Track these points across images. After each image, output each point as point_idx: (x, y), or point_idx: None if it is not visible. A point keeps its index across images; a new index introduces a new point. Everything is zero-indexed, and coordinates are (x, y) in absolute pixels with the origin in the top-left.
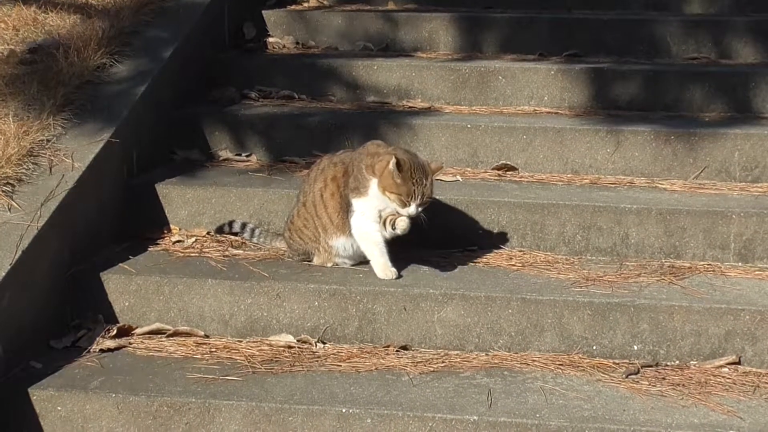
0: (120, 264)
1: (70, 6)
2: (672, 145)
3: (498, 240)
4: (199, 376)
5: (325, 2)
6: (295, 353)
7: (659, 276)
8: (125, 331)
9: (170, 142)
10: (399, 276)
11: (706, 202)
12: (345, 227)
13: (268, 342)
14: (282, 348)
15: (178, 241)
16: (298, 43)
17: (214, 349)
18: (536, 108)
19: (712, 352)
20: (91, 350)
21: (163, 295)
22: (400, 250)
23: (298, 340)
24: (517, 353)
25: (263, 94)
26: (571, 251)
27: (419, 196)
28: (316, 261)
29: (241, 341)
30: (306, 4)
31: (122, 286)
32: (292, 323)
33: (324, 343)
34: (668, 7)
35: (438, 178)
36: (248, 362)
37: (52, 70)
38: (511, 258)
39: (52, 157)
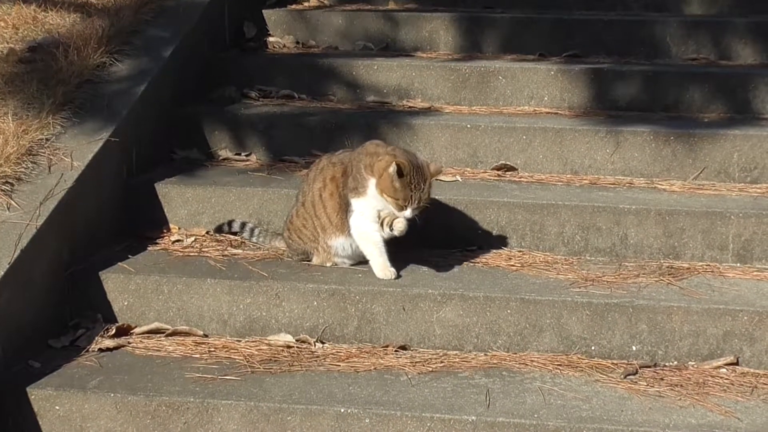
0: (119, 263)
1: (70, 5)
2: (671, 145)
3: (497, 240)
4: (198, 375)
5: (325, 2)
6: (293, 353)
7: (658, 276)
8: (124, 331)
9: (170, 141)
10: (398, 276)
11: (705, 202)
12: (344, 227)
13: (266, 342)
14: (281, 348)
15: (178, 241)
16: (298, 42)
17: (212, 349)
18: (536, 108)
19: (710, 353)
20: (90, 350)
21: (162, 294)
22: (399, 250)
23: (296, 340)
24: (515, 353)
25: (263, 94)
26: (570, 251)
27: (416, 201)
28: (315, 261)
29: (239, 341)
30: (306, 4)
31: (121, 285)
32: (290, 323)
33: (323, 342)
34: (668, 8)
35: (437, 178)
36: (247, 362)
37: (51, 68)
38: (510, 258)
39: (52, 156)
